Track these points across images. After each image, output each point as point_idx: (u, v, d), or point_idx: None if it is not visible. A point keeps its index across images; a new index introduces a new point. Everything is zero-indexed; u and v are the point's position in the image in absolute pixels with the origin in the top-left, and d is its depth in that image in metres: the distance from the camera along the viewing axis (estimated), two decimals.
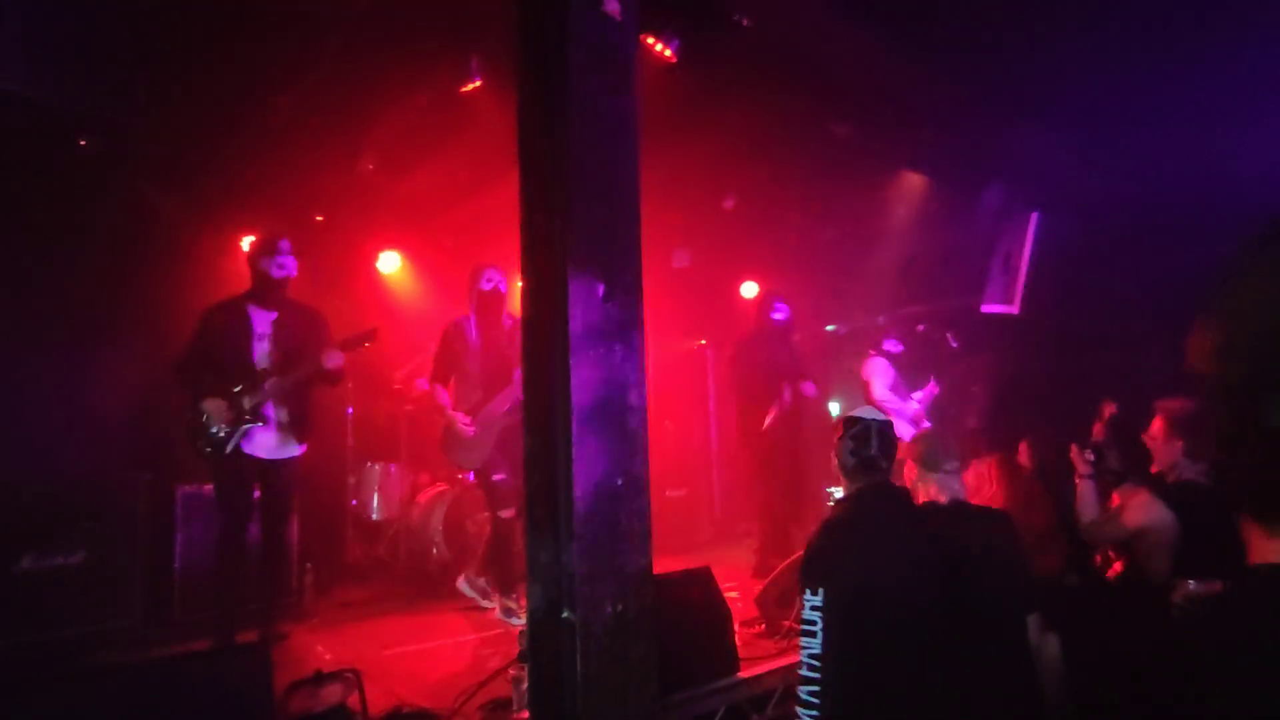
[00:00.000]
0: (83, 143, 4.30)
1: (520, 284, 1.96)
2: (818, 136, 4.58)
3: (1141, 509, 2.68)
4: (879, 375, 5.18)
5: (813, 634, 1.84)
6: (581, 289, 1.84)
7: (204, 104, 4.02)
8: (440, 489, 5.18)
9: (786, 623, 3.22)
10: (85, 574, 3.38)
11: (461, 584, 4.28)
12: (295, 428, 3.61)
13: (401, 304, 6.16)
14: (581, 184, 1.89)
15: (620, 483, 1.88)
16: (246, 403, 3.42)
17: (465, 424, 3.94)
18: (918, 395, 5.17)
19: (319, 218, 5.68)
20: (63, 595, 3.30)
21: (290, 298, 3.71)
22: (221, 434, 3.40)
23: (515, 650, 2.90)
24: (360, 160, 4.84)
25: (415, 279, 6.23)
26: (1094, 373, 5.27)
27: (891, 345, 5.30)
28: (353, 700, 2.38)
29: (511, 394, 3.93)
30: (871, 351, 5.26)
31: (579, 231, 1.87)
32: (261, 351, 3.54)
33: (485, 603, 4.19)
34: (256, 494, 3.61)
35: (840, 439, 2.18)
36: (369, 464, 5.28)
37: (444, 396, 4.05)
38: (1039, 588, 2.33)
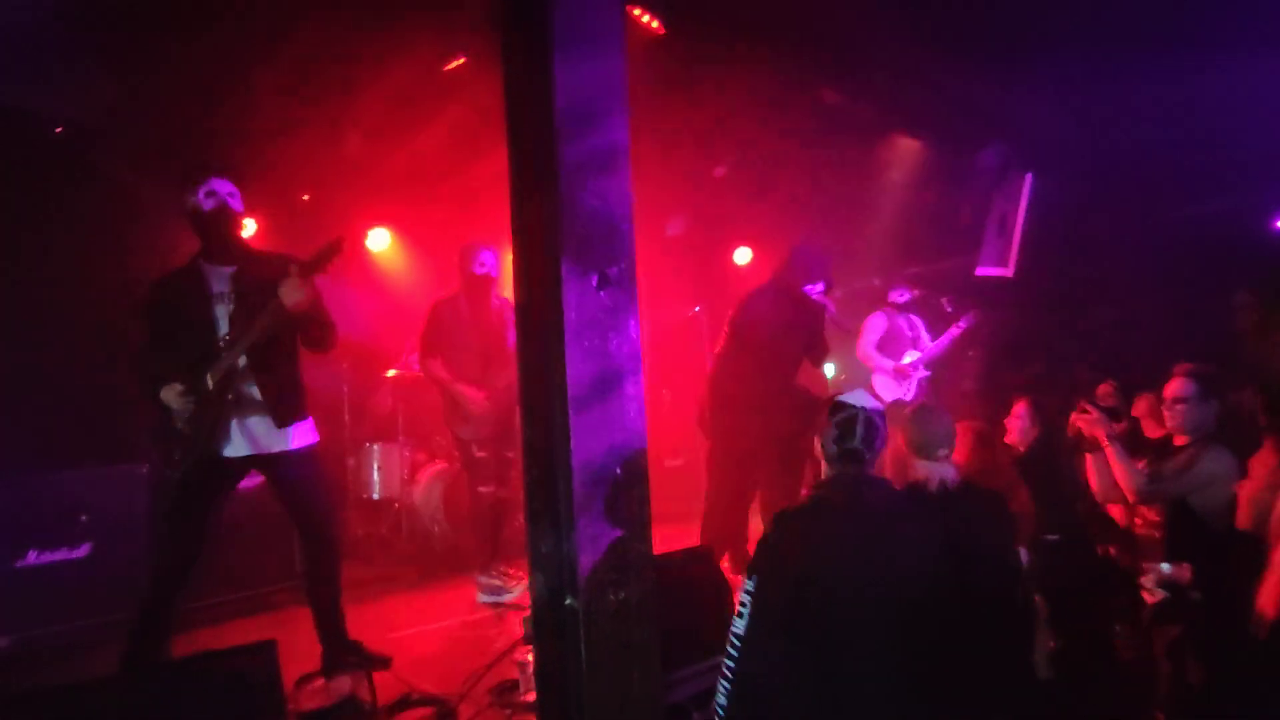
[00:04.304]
0: (58, 130, 4.20)
1: (511, 271, 1.93)
2: (810, 101, 4.51)
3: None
4: (869, 331, 5.15)
5: (740, 615, 1.84)
6: (575, 278, 1.81)
7: (180, 87, 3.92)
8: (440, 467, 5.20)
9: None
10: (91, 567, 3.39)
11: (481, 597, 4.11)
12: (281, 408, 2.78)
13: (393, 282, 6.10)
14: (571, 168, 1.85)
15: (619, 472, 1.88)
16: (210, 380, 2.62)
17: (477, 399, 4.02)
18: (912, 357, 5.07)
19: (305, 196, 5.60)
20: (69, 589, 3.31)
21: (250, 246, 2.95)
22: (189, 430, 2.65)
23: (519, 629, 2.96)
24: (345, 137, 4.74)
25: (406, 256, 6.15)
26: (1088, 334, 5.28)
27: (897, 295, 5.21)
28: (362, 691, 2.42)
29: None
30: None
31: (571, 218, 1.83)
32: (222, 315, 2.72)
33: (506, 596, 4.05)
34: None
35: (826, 424, 2.04)
36: (367, 444, 5.29)
37: (442, 370, 4.08)
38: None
